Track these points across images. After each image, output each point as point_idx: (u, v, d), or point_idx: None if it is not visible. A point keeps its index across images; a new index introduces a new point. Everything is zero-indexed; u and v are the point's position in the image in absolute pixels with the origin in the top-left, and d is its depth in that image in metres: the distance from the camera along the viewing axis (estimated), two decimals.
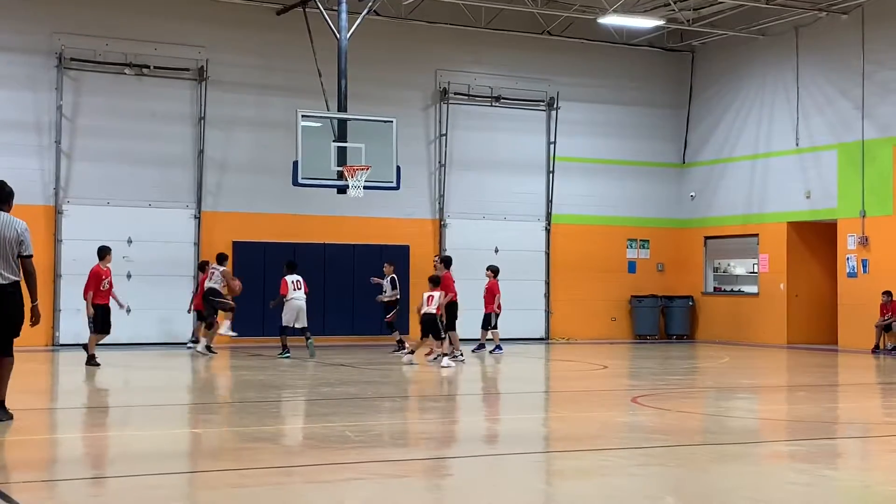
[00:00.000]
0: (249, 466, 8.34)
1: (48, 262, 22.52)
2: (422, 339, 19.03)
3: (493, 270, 22.15)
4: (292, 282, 20.34)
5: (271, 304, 20.66)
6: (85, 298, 17.65)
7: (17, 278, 10.21)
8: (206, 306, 20.54)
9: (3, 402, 10.25)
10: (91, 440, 10.07)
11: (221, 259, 20.81)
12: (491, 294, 21.87)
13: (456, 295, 19.35)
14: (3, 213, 10.21)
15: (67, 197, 22.76)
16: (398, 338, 21.62)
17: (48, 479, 8.02)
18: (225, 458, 8.91)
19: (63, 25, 22.77)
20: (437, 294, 18.53)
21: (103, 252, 17.98)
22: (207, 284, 20.51)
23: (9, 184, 10.53)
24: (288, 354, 19.91)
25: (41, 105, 22.60)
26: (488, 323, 22.03)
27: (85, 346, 17.85)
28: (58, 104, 22.63)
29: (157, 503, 7.20)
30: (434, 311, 18.40)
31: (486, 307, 21.99)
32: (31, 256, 10.30)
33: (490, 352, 21.67)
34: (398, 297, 21.68)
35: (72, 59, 22.77)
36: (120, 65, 23.18)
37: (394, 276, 21.64)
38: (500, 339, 22.33)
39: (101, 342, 17.84)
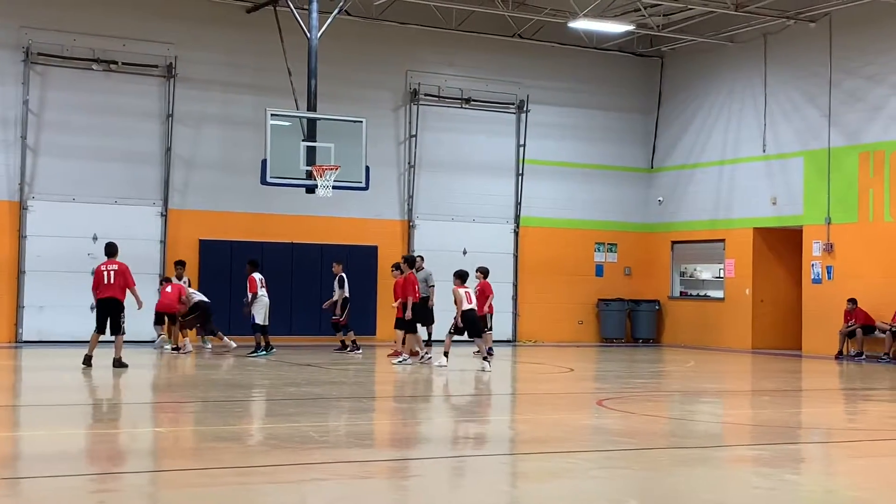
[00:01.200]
0: (212, 466, 8.28)
1: (12, 257, 22.34)
2: (471, 337, 18.66)
3: (483, 272, 21.57)
4: (259, 279, 20.30)
5: (245, 310, 20.48)
6: (136, 293, 16.96)
7: None
8: (203, 319, 20.84)
9: None
10: (52, 438, 9.95)
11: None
12: (483, 296, 21.34)
13: (419, 297, 19.34)
14: None
15: (32, 193, 22.55)
16: (353, 338, 21.35)
17: (10, 476, 7.93)
18: (188, 458, 8.84)
19: (31, 20, 22.56)
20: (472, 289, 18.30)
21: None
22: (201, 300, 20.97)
23: None
24: (265, 353, 19.85)
25: (7, 99, 22.38)
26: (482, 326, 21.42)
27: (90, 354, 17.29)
28: (24, 99, 22.42)
29: (118, 502, 7.13)
30: (476, 308, 18.15)
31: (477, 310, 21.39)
32: None
33: (483, 357, 21.05)
34: (346, 296, 21.28)
35: (39, 54, 22.56)
36: (88, 60, 23.00)
37: (342, 275, 21.31)
38: (465, 341, 22.22)
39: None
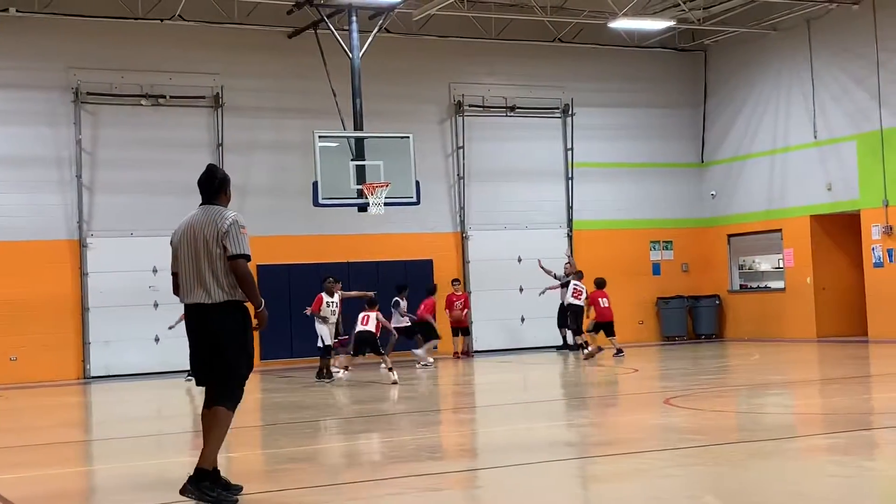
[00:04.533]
0: (290, 487, 8.35)
1: (75, 295, 22.68)
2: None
3: (598, 284, 22.53)
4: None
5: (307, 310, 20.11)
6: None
7: (228, 296, 7.69)
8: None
9: (217, 470, 7.74)
10: (131, 468, 10.10)
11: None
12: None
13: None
14: (211, 206, 7.88)
15: (91, 230, 22.90)
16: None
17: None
18: (263, 480, 8.92)
19: (78, 60, 22.94)
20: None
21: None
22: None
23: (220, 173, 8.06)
24: (332, 379, 19.02)
25: (61, 140, 22.77)
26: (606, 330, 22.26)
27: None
28: (77, 138, 22.80)
29: None
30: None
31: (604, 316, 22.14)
32: (239, 257, 7.69)
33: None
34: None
35: (88, 94, 22.94)
36: (136, 96, 23.34)
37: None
38: (527, 347, 22.62)
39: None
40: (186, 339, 7.93)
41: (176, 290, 7.89)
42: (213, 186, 7.88)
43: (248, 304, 7.85)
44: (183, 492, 7.60)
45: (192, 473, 7.62)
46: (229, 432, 7.95)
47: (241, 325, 7.74)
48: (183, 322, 7.90)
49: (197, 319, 7.74)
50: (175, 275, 7.87)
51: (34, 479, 9.41)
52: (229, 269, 7.63)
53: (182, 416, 15.14)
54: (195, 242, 7.69)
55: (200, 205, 7.90)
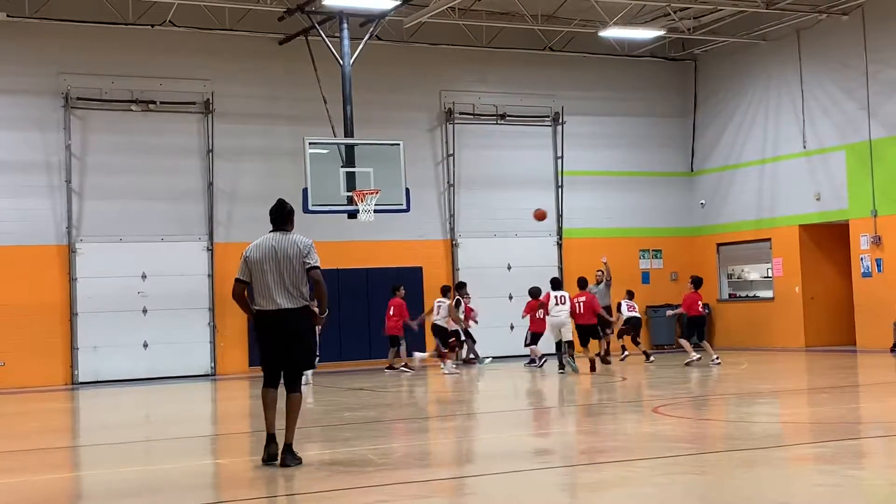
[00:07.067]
0: (273, 494, 8.34)
1: (64, 300, 22.62)
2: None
3: (695, 282, 22.03)
4: (556, 297, 20.56)
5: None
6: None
7: (305, 302, 9.61)
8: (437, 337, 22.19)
9: (291, 445, 9.54)
10: (117, 475, 10.07)
11: (445, 291, 22.51)
12: (693, 302, 21.66)
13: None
14: (286, 232, 9.97)
15: (80, 235, 22.85)
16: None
17: None
18: (248, 487, 8.91)
19: (68, 65, 22.92)
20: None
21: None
22: (433, 319, 22.11)
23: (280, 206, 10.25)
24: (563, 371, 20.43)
25: (50, 145, 22.73)
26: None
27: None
28: (66, 143, 22.76)
29: None
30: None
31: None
32: (317, 267, 9.71)
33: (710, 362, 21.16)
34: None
35: (78, 99, 22.90)
36: (126, 102, 23.31)
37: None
38: (518, 356, 22.59)
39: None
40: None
41: (240, 297, 9.68)
42: (283, 216, 10.06)
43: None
44: (284, 464, 9.31)
45: (284, 448, 9.38)
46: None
47: (313, 325, 9.75)
48: None
49: (280, 321, 9.46)
50: (245, 283, 9.67)
51: (20, 486, 9.37)
52: (307, 278, 9.58)
53: (169, 423, 15.10)
54: (280, 260, 9.63)
55: (273, 231, 9.92)
